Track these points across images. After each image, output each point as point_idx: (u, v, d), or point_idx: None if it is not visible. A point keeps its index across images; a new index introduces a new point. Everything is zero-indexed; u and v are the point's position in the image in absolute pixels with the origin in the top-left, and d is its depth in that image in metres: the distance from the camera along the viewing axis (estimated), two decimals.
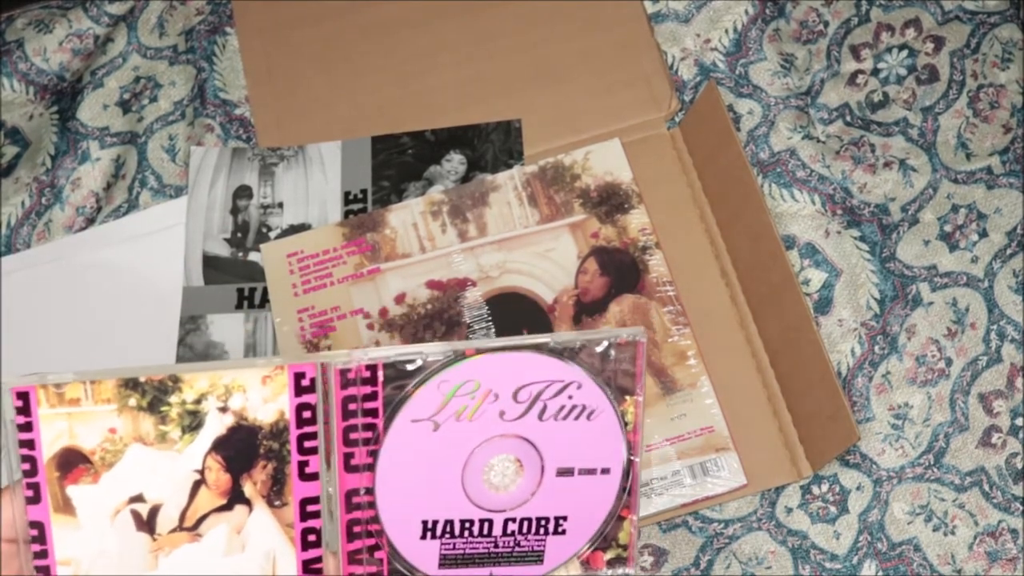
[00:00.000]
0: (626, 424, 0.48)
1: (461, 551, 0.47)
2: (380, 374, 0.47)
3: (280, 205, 0.83)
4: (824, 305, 0.77)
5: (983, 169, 0.80)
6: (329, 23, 0.87)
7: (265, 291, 0.80)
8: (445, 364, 0.46)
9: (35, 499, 0.48)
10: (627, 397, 0.48)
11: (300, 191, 0.83)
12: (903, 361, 0.76)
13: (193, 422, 0.49)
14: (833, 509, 0.73)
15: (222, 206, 0.83)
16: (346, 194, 0.83)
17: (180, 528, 0.50)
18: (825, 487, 0.74)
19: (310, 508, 0.50)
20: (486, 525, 0.47)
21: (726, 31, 0.85)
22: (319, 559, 0.50)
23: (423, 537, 0.47)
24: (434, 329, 0.77)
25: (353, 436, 0.47)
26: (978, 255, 0.78)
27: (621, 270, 0.78)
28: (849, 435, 0.68)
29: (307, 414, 0.48)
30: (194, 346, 0.79)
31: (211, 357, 0.78)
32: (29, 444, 0.48)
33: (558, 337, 0.47)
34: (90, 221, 0.85)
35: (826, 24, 0.85)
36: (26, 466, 0.48)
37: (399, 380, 0.46)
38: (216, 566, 0.50)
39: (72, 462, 0.48)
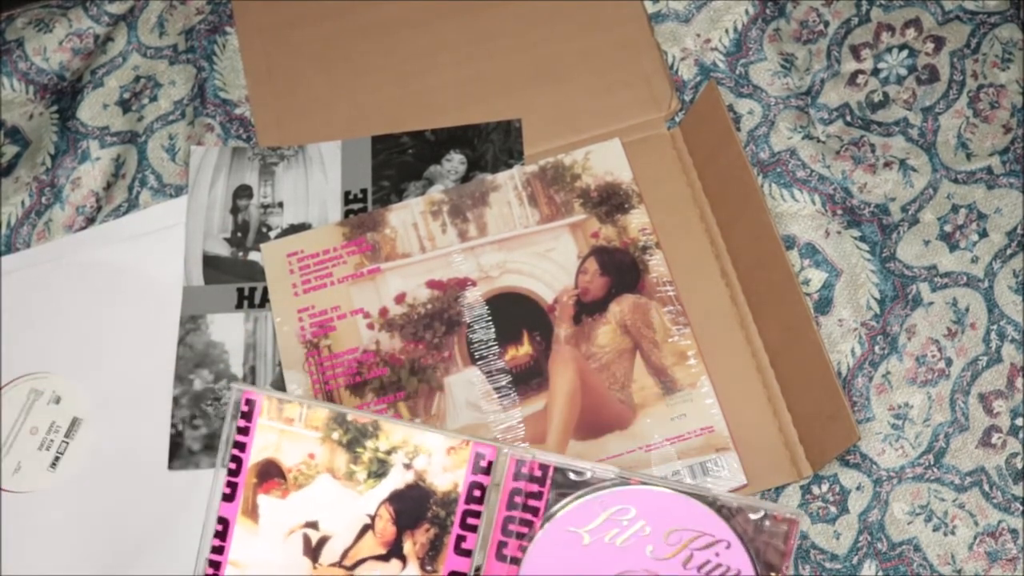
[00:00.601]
0: None
1: None
2: (550, 476, 0.50)
3: (280, 205, 0.83)
4: (824, 305, 0.77)
5: (983, 169, 0.80)
6: (329, 23, 0.87)
7: (265, 291, 0.80)
8: (610, 485, 0.49)
9: (230, 497, 0.53)
10: (772, 573, 0.48)
11: (300, 191, 0.83)
12: (903, 361, 0.76)
13: (380, 469, 0.53)
14: (833, 509, 0.73)
15: (222, 206, 0.83)
16: (346, 194, 0.83)
17: (339, 564, 0.52)
18: (825, 487, 0.74)
19: None
20: None
21: (726, 31, 0.85)
22: None
23: None
24: (434, 329, 0.77)
25: (511, 527, 0.50)
26: (978, 255, 0.78)
27: (621, 270, 0.78)
28: (849, 435, 0.68)
29: (477, 493, 0.52)
30: (194, 346, 0.79)
31: (211, 357, 0.78)
32: (241, 447, 0.53)
33: (720, 493, 0.48)
34: (90, 221, 0.85)
35: (826, 24, 0.85)
36: (232, 465, 0.53)
37: (564, 487, 0.49)
38: None
39: (270, 473, 0.53)
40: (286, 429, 0.53)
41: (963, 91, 0.82)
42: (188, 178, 0.84)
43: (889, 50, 0.84)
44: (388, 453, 0.52)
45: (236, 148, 0.85)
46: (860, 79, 0.83)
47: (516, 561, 0.50)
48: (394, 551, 0.52)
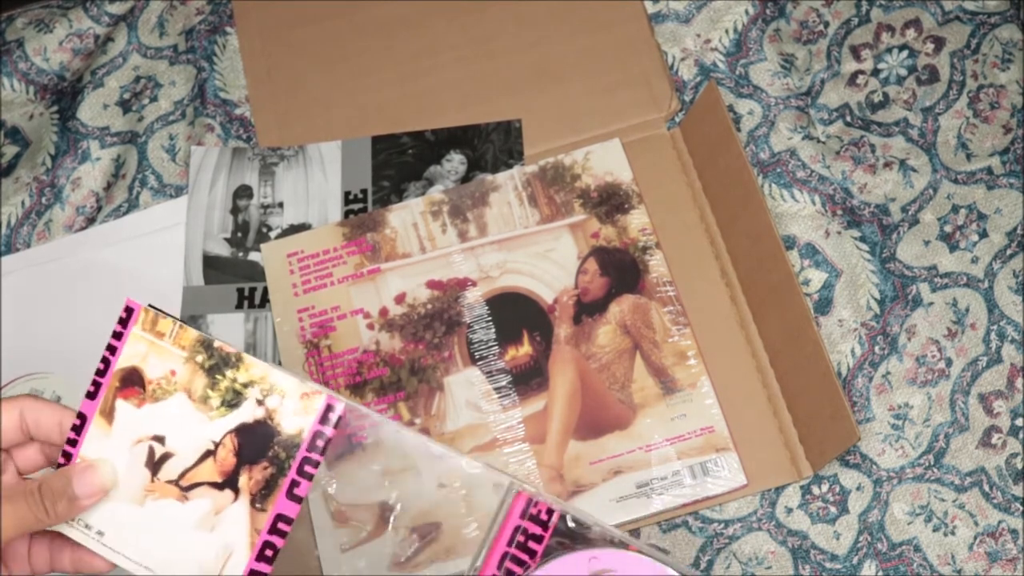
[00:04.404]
0: None
1: None
2: (553, 523, 0.51)
3: (280, 205, 0.83)
4: (824, 305, 0.77)
5: (983, 169, 0.80)
6: (329, 23, 0.87)
7: (265, 291, 0.80)
8: (606, 544, 0.50)
9: (92, 395, 0.54)
10: None
11: (300, 191, 0.83)
12: (903, 361, 0.76)
13: (233, 400, 0.54)
14: (833, 509, 0.73)
15: (222, 206, 0.83)
16: (346, 194, 0.83)
17: (176, 483, 0.54)
18: (825, 487, 0.74)
19: (281, 525, 0.54)
20: None
21: (726, 31, 0.85)
22: (266, 575, 0.54)
23: None
24: (434, 329, 0.77)
25: (506, 564, 0.51)
26: (978, 255, 0.78)
27: (621, 270, 0.78)
28: (849, 435, 0.68)
29: (320, 443, 0.53)
30: None
31: None
32: (112, 350, 0.54)
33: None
34: (90, 221, 0.85)
35: (826, 24, 0.85)
36: (101, 366, 0.54)
37: (564, 536, 0.50)
38: (183, 533, 0.54)
39: (132, 381, 0.55)
40: (155, 342, 0.55)
41: (963, 91, 0.82)
42: (188, 178, 0.84)
43: (889, 50, 0.84)
44: (244, 386, 0.54)
45: (236, 148, 0.85)
46: (860, 79, 0.83)
47: None
48: (229, 482, 0.54)
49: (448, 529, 0.71)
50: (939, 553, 0.72)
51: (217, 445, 0.54)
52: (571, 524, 0.51)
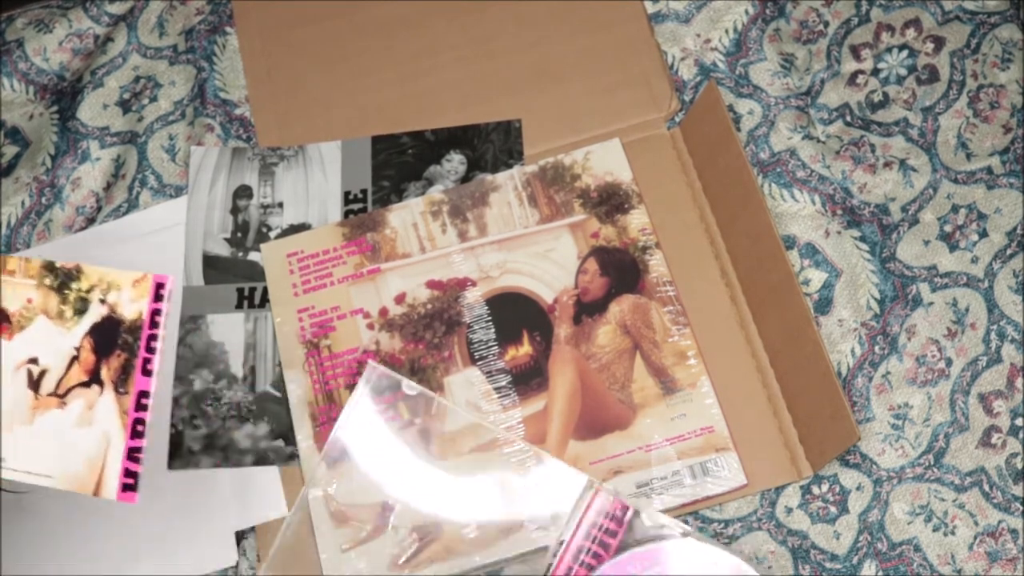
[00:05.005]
0: None
1: None
2: (627, 519, 0.54)
3: (280, 205, 0.83)
4: (824, 305, 0.77)
5: (983, 169, 0.80)
6: (329, 23, 0.87)
7: (265, 291, 0.80)
8: (674, 537, 0.54)
9: None
10: None
11: (300, 191, 0.83)
12: (903, 361, 0.76)
13: (82, 307, 0.62)
14: (833, 509, 0.73)
15: (222, 206, 0.83)
16: (346, 194, 0.83)
17: (54, 394, 0.61)
18: (825, 487, 0.74)
19: (144, 401, 0.62)
20: None
21: (726, 31, 0.85)
22: (141, 449, 0.61)
23: None
24: (434, 329, 0.77)
25: (582, 556, 0.54)
26: (978, 255, 0.78)
27: (621, 270, 0.78)
28: (849, 435, 0.68)
29: (158, 319, 0.62)
30: (194, 346, 0.79)
31: (211, 357, 0.78)
32: None
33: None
34: (90, 221, 0.85)
35: (826, 24, 0.85)
36: None
37: (638, 532, 0.53)
38: (67, 434, 0.62)
39: (0, 319, 0.62)
40: (9, 280, 0.64)
41: (963, 91, 0.82)
42: (188, 178, 0.84)
43: (889, 50, 0.84)
44: (88, 291, 0.63)
45: (236, 148, 0.85)
46: (860, 79, 0.83)
47: None
48: (94, 378, 0.62)
49: (448, 529, 0.71)
50: (939, 553, 0.72)
51: (79, 350, 0.61)
52: (647, 522, 0.55)
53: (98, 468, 0.60)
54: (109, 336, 0.61)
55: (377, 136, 0.84)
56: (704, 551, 0.56)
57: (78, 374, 0.61)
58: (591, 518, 0.57)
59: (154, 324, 0.61)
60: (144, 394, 0.61)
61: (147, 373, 0.61)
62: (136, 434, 0.61)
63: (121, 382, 0.61)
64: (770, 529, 0.73)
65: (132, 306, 0.62)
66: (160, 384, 0.61)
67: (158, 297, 0.61)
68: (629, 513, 0.57)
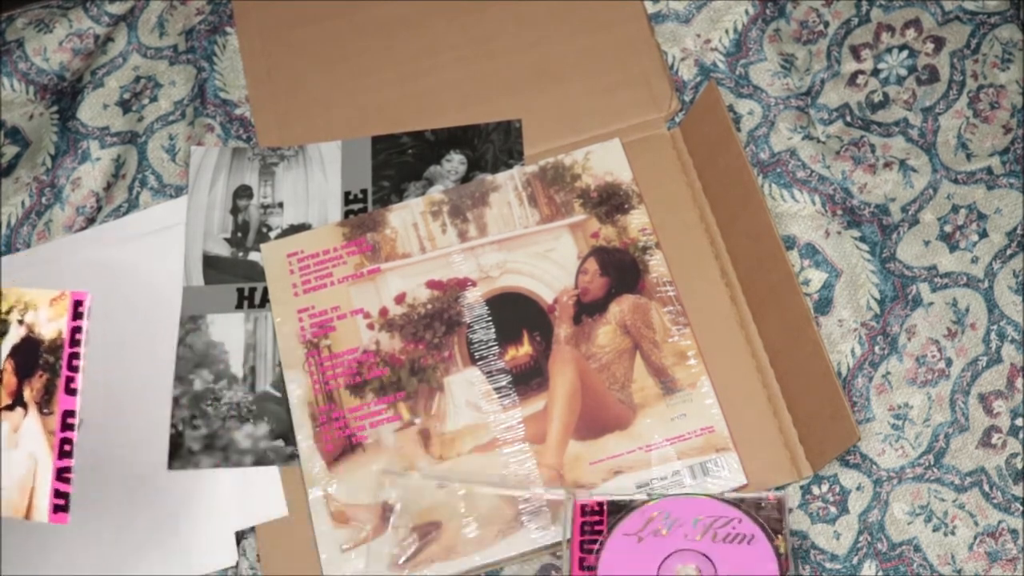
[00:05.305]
0: (779, 553, 0.64)
1: None
2: (605, 507, 0.66)
3: (280, 205, 0.83)
4: (824, 305, 0.77)
5: (983, 169, 0.80)
6: (329, 23, 0.87)
7: (265, 291, 0.80)
8: (644, 502, 0.66)
9: None
10: (778, 535, 0.65)
11: (300, 191, 0.83)
12: (903, 361, 0.76)
13: (2, 328, 0.61)
14: (833, 509, 0.73)
15: (222, 206, 0.83)
16: (346, 194, 0.83)
17: None
18: (825, 487, 0.74)
19: (70, 420, 0.60)
20: None
21: (726, 31, 0.85)
22: (70, 469, 0.60)
23: None
24: (434, 329, 0.77)
25: (585, 545, 0.65)
26: (978, 255, 0.78)
27: (621, 270, 0.78)
28: (849, 435, 0.68)
29: (78, 336, 0.60)
30: (194, 346, 0.79)
31: (211, 357, 0.78)
32: None
33: (727, 494, 0.67)
34: (90, 221, 0.85)
35: (826, 24, 0.85)
36: None
37: (618, 511, 0.66)
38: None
39: None
40: None
41: (963, 91, 0.82)
42: (188, 178, 0.84)
43: (889, 50, 0.84)
44: (7, 313, 0.61)
45: (236, 148, 0.85)
46: (860, 79, 0.83)
47: (592, 567, 0.64)
48: (18, 400, 0.60)
49: (448, 529, 0.71)
50: (939, 553, 0.72)
51: (1, 372, 0.60)
52: (621, 503, 0.65)
53: (28, 490, 0.59)
54: (30, 357, 0.60)
55: (377, 136, 0.84)
56: (682, 502, 0.66)
57: (3, 398, 0.60)
58: (580, 520, 0.66)
59: (75, 342, 0.60)
60: (69, 413, 0.60)
61: (71, 392, 0.60)
62: (64, 454, 0.60)
63: (45, 403, 0.60)
64: None
65: (51, 325, 0.61)
66: (84, 402, 0.59)
67: (77, 315, 0.60)
68: (605, 504, 0.66)
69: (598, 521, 0.65)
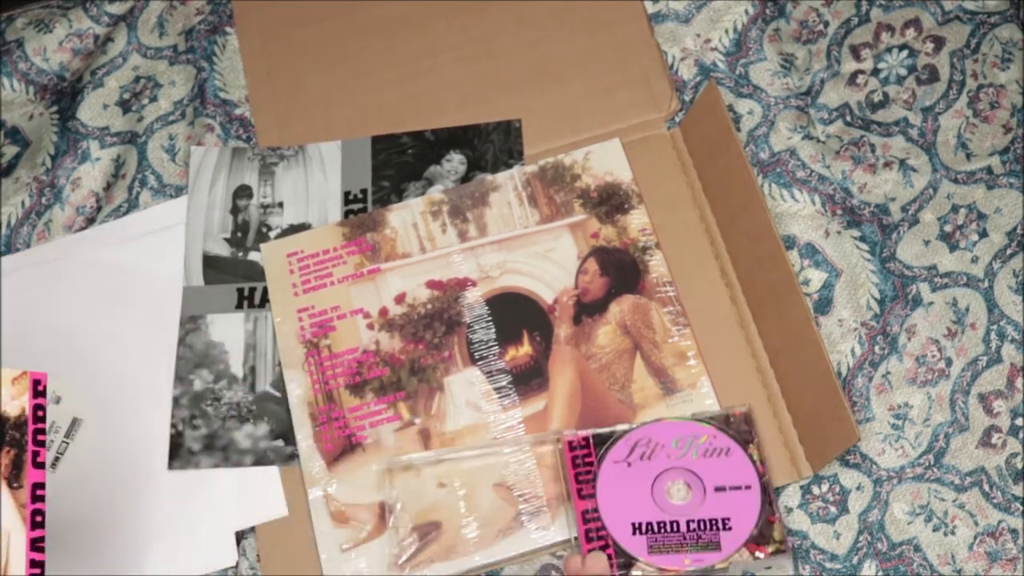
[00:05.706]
0: (754, 460, 0.69)
1: (661, 542, 0.68)
2: (591, 440, 0.70)
3: (280, 205, 0.83)
4: (824, 305, 0.77)
5: (983, 169, 0.80)
6: (329, 23, 0.87)
7: (265, 291, 0.80)
8: (626, 431, 0.70)
9: None
10: (750, 444, 0.70)
11: (300, 191, 0.83)
12: (903, 361, 0.76)
13: None
14: (833, 509, 0.73)
15: (222, 206, 0.83)
16: (346, 194, 0.83)
17: None
18: (825, 487, 0.74)
19: (39, 492, 0.62)
20: (674, 524, 0.68)
21: (726, 31, 0.85)
22: (43, 539, 0.61)
23: (634, 534, 0.68)
24: (434, 329, 0.77)
25: (580, 476, 0.69)
26: (978, 255, 0.78)
27: (621, 270, 0.78)
28: (849, 435, 0.68)
29: (40, 413, 0.62)
30: (194, 346, 0.79)
31: (211, 357, 0.78)
32: None
33: (697, 413, 0.72)
34: (90, 221, 0.85)
35: (826, 24, 0.85)
36: None
37: (603, 443, 0.70)
38: None
39: None
40: None
41: (963, 91, 0.82)
42: (188, 178, 0.84)
43: (889, 50, 0.84)
44: None
45: (236, 148, 0.85)
46: (860, 79, 0.83)
47: (591, 495, 0.68)
48: None
49: (448, 529, 0.71)
50: (939, 553, 0.72)
51: None
52: (605, 435, 0.70)
53: (2, 564, 0.60)
54: None
55: (377, 136, 0.84)
56: (665, 426, 0.71)
57: None
58: (571, 454, 0.70)
59: (38, 419, 0.63)
60: (39, 485, 0.62)
61: (38, 466, 0.62)
62: (36, 524, 0.62)
63: (14, 477, 0.62)
64: None
65: (14, 403, 0.63)
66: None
67: (37, 393, 0.63)
68: (591, 438, 0.70)
69: (587, 454, 0.69)
